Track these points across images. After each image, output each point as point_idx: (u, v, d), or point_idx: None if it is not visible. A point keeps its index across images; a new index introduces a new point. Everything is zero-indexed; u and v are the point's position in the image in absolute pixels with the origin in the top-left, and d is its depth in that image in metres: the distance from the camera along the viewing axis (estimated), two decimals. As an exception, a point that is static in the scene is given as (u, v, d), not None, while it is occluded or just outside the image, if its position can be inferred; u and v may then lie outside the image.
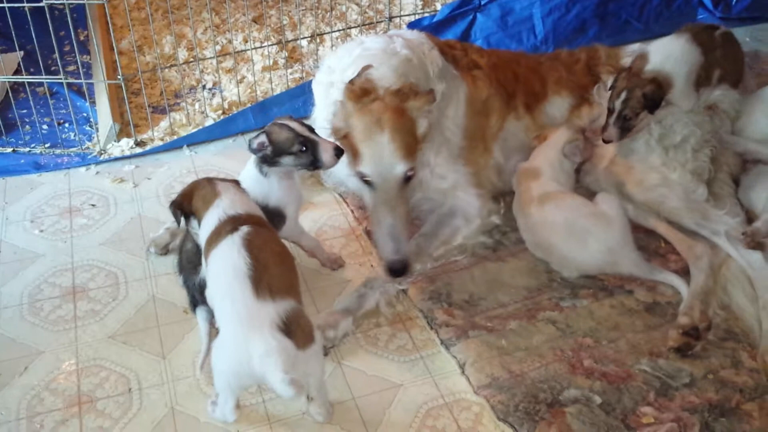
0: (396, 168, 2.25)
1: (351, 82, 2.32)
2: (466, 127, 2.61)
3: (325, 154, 2.19)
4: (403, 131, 2.25)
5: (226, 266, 1.84)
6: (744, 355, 2.15)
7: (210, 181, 2.08)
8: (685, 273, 2.42)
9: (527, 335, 2.21)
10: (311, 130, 2.22)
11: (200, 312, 2.16)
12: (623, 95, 2.51)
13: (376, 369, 2.10)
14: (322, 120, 2.52)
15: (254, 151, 2.19)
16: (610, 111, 2.54)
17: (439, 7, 4.11)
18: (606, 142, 2.56)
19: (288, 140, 2.17)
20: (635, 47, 3.08)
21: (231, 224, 1.93)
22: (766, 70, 3.76)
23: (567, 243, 2.38)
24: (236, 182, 2.15)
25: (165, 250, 2.50)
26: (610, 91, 2.59)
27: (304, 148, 2.17)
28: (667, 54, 2.58)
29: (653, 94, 2.50)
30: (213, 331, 2.05)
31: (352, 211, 2.75)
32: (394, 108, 2.25)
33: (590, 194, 2.63)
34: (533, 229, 2.48)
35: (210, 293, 1.97)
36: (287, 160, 2.19)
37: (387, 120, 2.23)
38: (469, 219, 2.56)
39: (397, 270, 2.27)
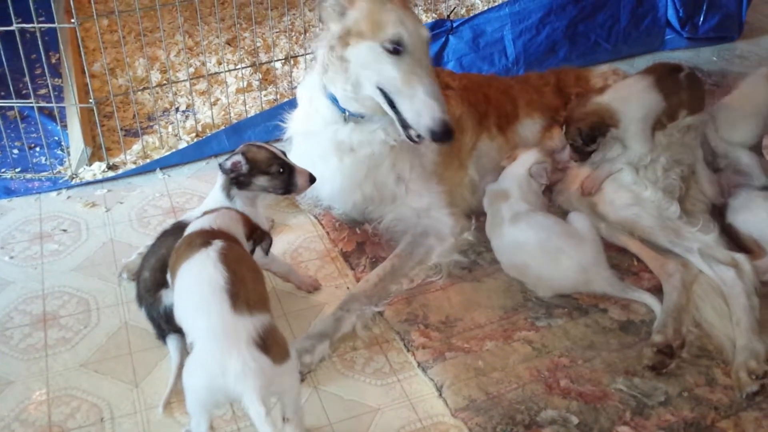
0: (422, 27, 2.30)
1: None
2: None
3: (300, 178, 2.22)
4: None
5: (200, 280, 1.81)
6: (718, 372, 2.17)
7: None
8: (657, 291, 2.44)
9: (504, 356, 2.21)
10: (284, 154, 2.24)
11: (171, 341, 2.13)
12: (564, 127, 2.59)
13: (353, 393, 2.09)
14: (303, 117, 2.56)
15: (227, 171, 2.18)
16: None
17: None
18: (574, 161, 2.64)
19: (266, 160, 2.19)
20: (604, 68, 3.15)
21: (202, 237, 1.91)
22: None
23: (540, 263, 2.40)
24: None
25: (137, 277, 2.47)
26: None
27: (281, 170, 2.18)
28: (624, 95, 2.61)
29: (589, 130, 2.54)
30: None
31: (328, 233, 2.74)
32: None
33: (563, 214, 2.66)
34: (507, 249, 2.49)
35: (180, 309, 1.91)
36: (262, 181, 2.19)
37: None
38: (442, 238, 2.57)
39: (447, 132, 2.20)
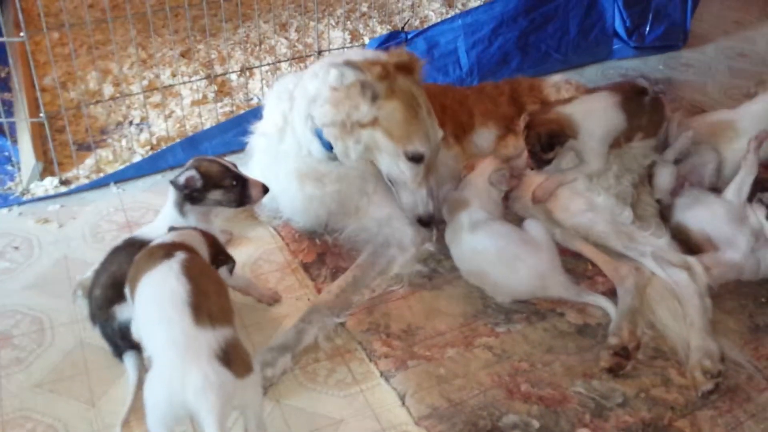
0: (439, 135, 2.50)
1: (381, 62, 2.37)
2: None
3: (254, 190, 2.24)
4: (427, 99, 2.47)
5: (162, 292, 1.79)
6: (673, 372, 2.22)
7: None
8: (612, 294, 2.49)
9: (465, 362, 2.23)
10: (235, 166, 2.26)
11: (129, 359, 2.09)
12: (524, 131, 2.63)
13: (316, 406, 2.08)
14: (272, 125, 2.56)
15: (182, 187, 2.16)
16: None
17: (367, 41, 4.17)
18: (531, 168, 2.68)
19: (220, 173, 2.18)
20: (557, 78, 3.21)
21: (164, 249, 1.89)
22: (680, 96, 3.96)
23: (499, 269, 2.43)
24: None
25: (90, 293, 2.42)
26: None
27: (234, 183, 2.19)
28: (588, 109, 2.66)
29: (548, 136, 2.59)
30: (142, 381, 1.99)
31: (287, 245, 2.73)
32: (413, 81, 2.43)
33: (519, 221, 2.70)
34: (466, 257, 2.52)
35: (140, 322, 1.87)
36: (216, 194, 2.18)
37: (419, 93, 2.42)
38: (404, 248, 2.59)
39: (431, 222, 2.55)
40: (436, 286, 2.54)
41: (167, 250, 1.89)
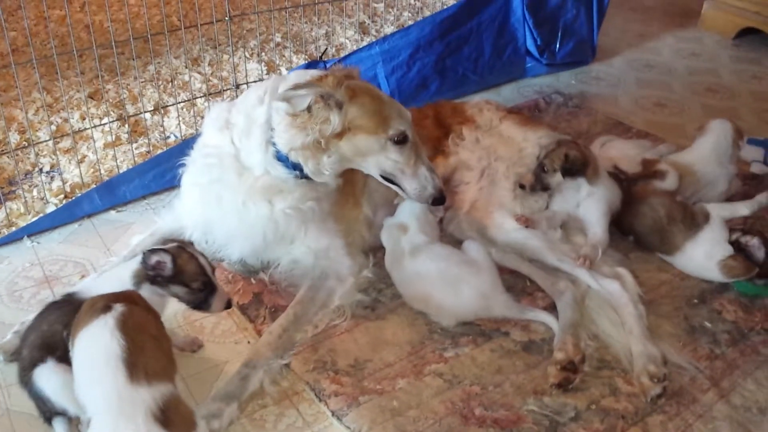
0: (408, 112, 2.47)
1: (328, 75, 2.35)
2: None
3: (218, 303, 2.09)
4: None
5: (97, 349, 1.69)
6: (620, 381, 2.25)
7: None
8: (552, 309, 2.52)
9: (417, 392, 2.19)
10: (213, 269, 2.12)
11: (58, 424, 1.94)
12: (551, 146, 2.71)
13: (267, 454, 1.99)
14: (215, 153, 2.46)
15: (148, 268, 2.00)
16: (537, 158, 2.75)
17: (284, 72, 4.12)
18: (520, 186, 2.73)
19: (193, 274, 2.04)
20: (477, 99, 3.27)
21: (104, 301, 1.78)
22: (593, 109, 4.09)
23: (442, 292, 2.41)
24: None
25: (16, 356, 2.24)
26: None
27: (202, 288, 2.05)
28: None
29: (574, 158, 2.68)
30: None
31: (221, 287, 2.62)
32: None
33: (455, 242, 2.70)
34: (408, 282, 2.49)
35: (77, 381, 1.76)
36: (178, 290, 2.04)
37: (369, 87, 2.45)
38: (342, 279, 2.53)
39: (443, 196, 2.50)
40: (380, 315, 2.49)
41: (107, 301, 1.79)
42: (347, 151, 2.37)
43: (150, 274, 2.01)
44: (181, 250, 2.06)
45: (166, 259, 1.99)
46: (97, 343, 1.70)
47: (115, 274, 2.10)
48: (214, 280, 2.10)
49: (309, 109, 2.28)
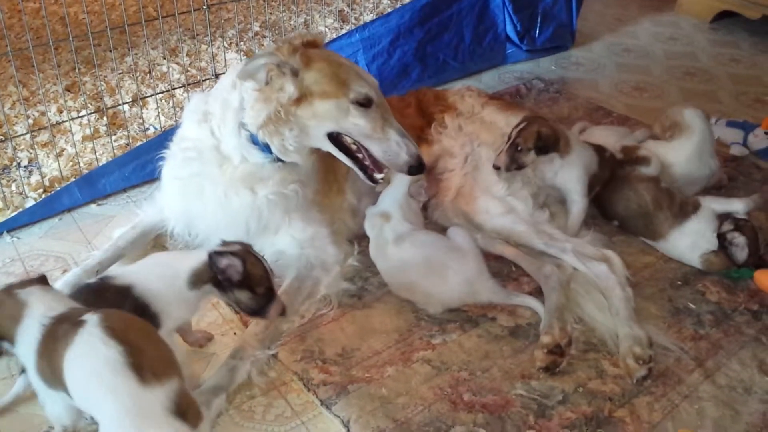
0: (375, 80, 2.42)
1: (284, 43, 2.31)
2: (317, 169, 2.59)
3: (275, 309, 1.99)
4: None
5: (96, 363, 1.60)
6: (606, 363, 2.27)
7: (9, 293, 1.79)
8: (538, 293, 2.53)
9: (405, 379, 2.19)
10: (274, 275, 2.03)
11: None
12: (521, 125, 2.68)
13: (256, 445, 1.98)
14: (195, 144, 2.43)
15: (219, 271, 1.89)
16: (508, 139, 2.70)
17: (263, 60, 4.07)
18: (495, 168, 2.69)
19: (260, 278, 1.93)
20: (459, 86, 3.25)
21: (67, 321, 1.69)
22: (574, 94, 4.10)
23: (428, 279, 2.41)
24: (42, 279, 1.85)
25: None
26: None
27: (264, 293, 1.95)
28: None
29: (546, 135, 2.67)
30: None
31: (206, 279, 2.60)
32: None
33: (440, 229, 2.70)
34: (394, 270, 2.49)
35: (83, 401, 1.67)
36: (241, 295, 1.92)
37: (329, 53, 2.42)
38: (327, 268, 2.52)
39: (422, 164, 2.38)
40: (367, 304, 2.49)
41: (66, 318, 1.70)
42: (307, 119, 2.31)
43: (218, 277, 1.90)
44: (248, 253, 1.94)
45: (237, 262, 1.88)
46: (94, 358, 1.61)
47: (170, 269, 1.95)
48: (275, 285, 2.01)
49: (271, 80, 2.26)
